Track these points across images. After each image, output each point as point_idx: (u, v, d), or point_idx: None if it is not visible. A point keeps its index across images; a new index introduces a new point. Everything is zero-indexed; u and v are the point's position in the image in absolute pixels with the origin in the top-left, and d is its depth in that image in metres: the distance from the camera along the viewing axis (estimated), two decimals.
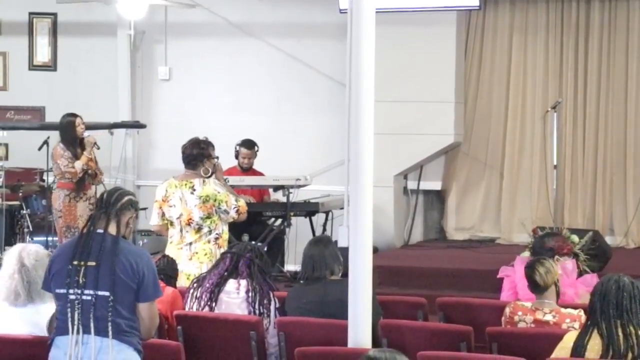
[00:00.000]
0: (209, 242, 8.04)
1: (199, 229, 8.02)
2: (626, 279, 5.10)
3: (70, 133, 10.47)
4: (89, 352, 4.94)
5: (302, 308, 6.34)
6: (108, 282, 4.93)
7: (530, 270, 6.24)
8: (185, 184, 8.05)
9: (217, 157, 8.28)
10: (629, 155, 11.69)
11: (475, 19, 12.10)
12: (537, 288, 6.21)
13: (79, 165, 10.31)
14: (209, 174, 8.15)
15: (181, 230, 8.05)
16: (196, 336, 6.32)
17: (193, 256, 7.96)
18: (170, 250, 8.01)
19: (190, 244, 8.03)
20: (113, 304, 4.93)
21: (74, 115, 10.56)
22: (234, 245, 6.85)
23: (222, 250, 7.98)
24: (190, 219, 8.01)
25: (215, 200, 8.01)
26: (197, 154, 8.11)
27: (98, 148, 10.62)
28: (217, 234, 8.08)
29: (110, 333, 4.93)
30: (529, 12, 11.96)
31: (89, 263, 4.97)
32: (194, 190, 8.02)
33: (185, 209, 8.02)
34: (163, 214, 8.08)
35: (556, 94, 11.74)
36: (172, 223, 8.08)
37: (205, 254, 7.97)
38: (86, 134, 10.54)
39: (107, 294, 4.94)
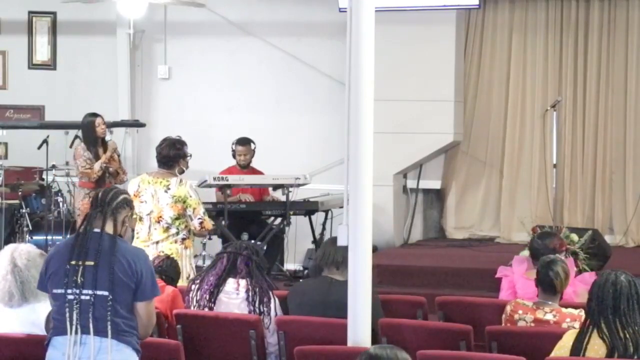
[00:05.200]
0: (175, 242, 8.12)
1: (167, 229, 8.09)
2: (623, 279, 5.07)
3: (91, 133, 10.47)
4: (87, 352, 4.92)
5: (304, 305, 6.34)
6: (107, 282, 4.91)
7: (551, 273, 6.06)
8: (160, 182, 8.12)
9: (190, 155, 8.34)
10: (628, 154, 11.69)
11: (475, 17, 12.09)
12: (551, 290, 6.10)
13: (97, 166, 10.32)
14: (182, 173, 8.27)
15: (149, 227, 8.11)
16: (196, 335, 6.32)
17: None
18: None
19: (157, 242, 8.08)
20: (112, 303, 4.91)
21: (95, 115, 10.54)
22: (230, 244, 6.85)
23: (189, 251, 8.11)
24: (161, 216, 8.08)
25: (184, 203, 8.06)
26: (174, 155, 8.21)
27: (119, 155, 10.65)
28: (184, 235, 8.12)
29: (109, 333, 4.92)
30: (528, 10, 11.96)
31: (87, 263, 4.94)
32: (169, 189, 8.08)
33: (157, 206, 8.09)
34: None
35: (556, 93, 11.74)
36: (141, 219, 8.12)
37: (171, 254, 7.98)
38: (109, 137, 10.55)
39: (106, 293, 4.91)
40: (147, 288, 5.00)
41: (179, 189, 8.10)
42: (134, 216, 5.46)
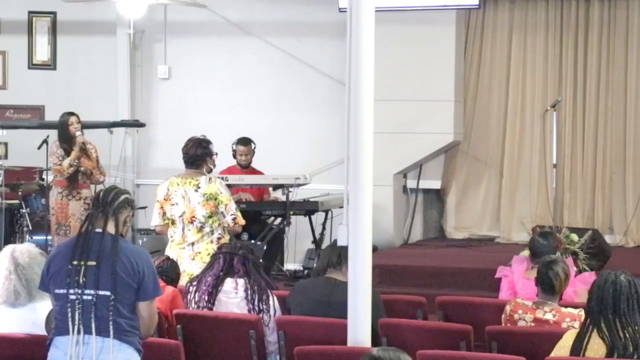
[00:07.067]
0: (211, 242, 8.03)
1: (201, 228, 8.01)
2: (623, 278, 5.06)
3: (64, 132, 10.52)
4: (89, 352, 4.94)
5: (305, 304, 6.34)
6: (109, 282, 4.92)
7: (551, 273, 6.06)
8: (190, 182, 8.06)
9: (217, 154, 8.32)
10: (628, 154, 11.69)
11: (475, 17, 12.10)
12: (550, 290, 6.10)
13: (65, 163, 10.33)
14: (210, 172, 8.21)
15: (183, 229, 8.04)
16: (196, 335, 6.32)
17: (196, 256, 7.95)
18: (171, 250, 8.00)
19: (193, 243, 8.02)
20: (114, 303, 4.93)
21: (70, 114, 10.60)
22: (225, 245, 6.86)
23: None
24: (193, 216, 8.01)
25: (216, 200, 8.02)
26: (202, 154, 8.16)
27: (84, 149, 10.52)
28: (219, 234, 8.07)
29: (111, 333, 4.93)
30: (528, 10, 11.96)
31: (89, 263, 4.95)
32: (199, 187, 8.04)
33: (188, 207, 8.02)
34: (164, 214, 8.09)
35: (556, 93, 11.74)
36: (173, 222, 8.07)
37: (209, 254, 7.94)
38: (79, 133, 10.50)
39: (108, 293, 4.93)
40: (149, 288, 5.02)
41: (209, 186, 8.05)
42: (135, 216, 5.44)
